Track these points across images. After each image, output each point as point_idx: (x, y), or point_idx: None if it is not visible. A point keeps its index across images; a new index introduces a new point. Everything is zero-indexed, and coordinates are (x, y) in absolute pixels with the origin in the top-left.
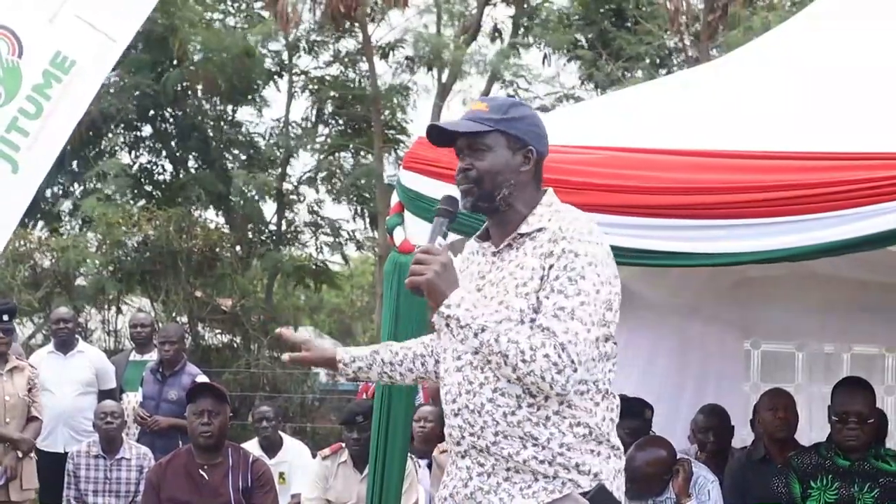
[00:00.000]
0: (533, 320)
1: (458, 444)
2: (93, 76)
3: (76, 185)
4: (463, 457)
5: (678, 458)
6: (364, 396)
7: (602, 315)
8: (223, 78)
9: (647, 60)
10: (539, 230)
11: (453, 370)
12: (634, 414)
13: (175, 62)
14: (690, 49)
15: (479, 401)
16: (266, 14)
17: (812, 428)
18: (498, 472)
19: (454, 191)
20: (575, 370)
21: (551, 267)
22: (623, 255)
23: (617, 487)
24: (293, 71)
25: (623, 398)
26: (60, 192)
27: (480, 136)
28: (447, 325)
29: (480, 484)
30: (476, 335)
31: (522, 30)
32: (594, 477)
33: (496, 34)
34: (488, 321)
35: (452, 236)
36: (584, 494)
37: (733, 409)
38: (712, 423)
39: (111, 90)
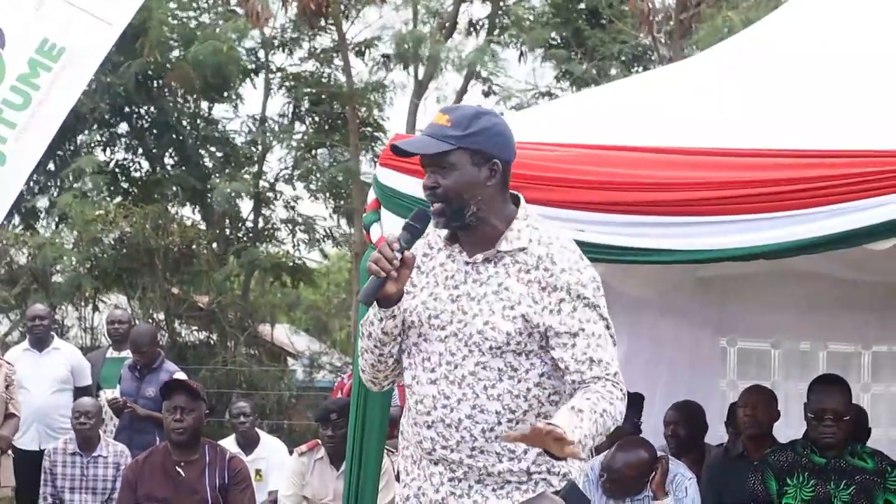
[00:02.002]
0: (519, 343)
1: (430, 453)
2: (86, 61)
3: (53, 181)
4: (436, 463)
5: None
6: (339, 395)
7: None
8: (198, 76)
9: (623, 59)
10: (521, 249)
11: (426, 381)
12: None
13: (149, 60)
14: (663, 48)
15: (456, 416)
16: (240, 10)
17: (788, 425)
18: (469, 477)
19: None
20: (623, 389)
21: (562, 301)
22: (598, 252)
23: (583, 486)
24: (269, 68)
25: None
26: (37, 188)
27: (443, 155)
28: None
29: (452, 489)
30: (592, 438)
31: (498, 30)
32: (563, 477)
33: (472, 29)
34: (584, 420)
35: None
36: (555, 493)
37: (710, 406)
38: (679, 417)
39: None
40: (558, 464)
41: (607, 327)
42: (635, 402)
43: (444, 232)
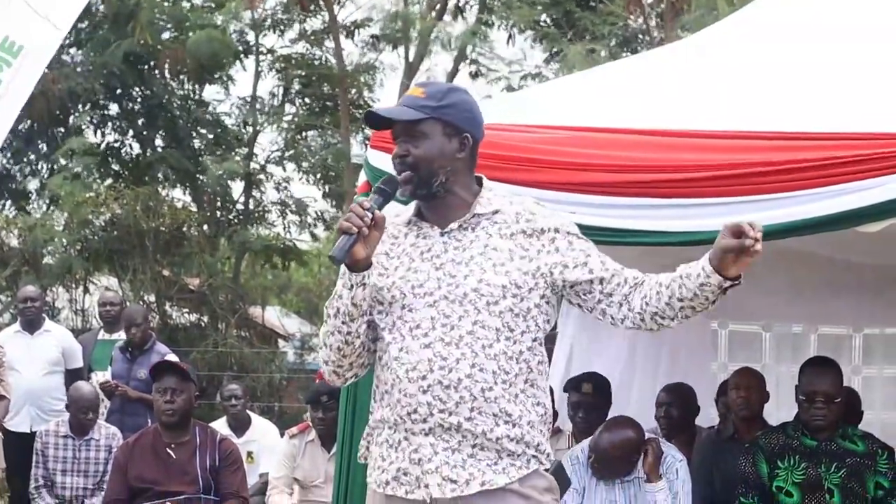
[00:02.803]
0: (515, 296)
1: (425, 420)
2: (38, 61)
3: (44, 163)
4: (426, 434)
5: (647, 437)
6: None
7: None
8: (192, 59)
9: (614, 41)
10: (495, 212)
11: (418, 347)
12: (573, 387)
13: (140, 42)
14: (655, 30)
15: (455, 376)
16: None
17: (780, 408)
18: (464, 448)
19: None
20: None
21: (554, 240)
22: (589, 234)
23: (571, 467)
24: (259, 50)
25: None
26: (28, 170)
27: (416, 124)
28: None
29: (447, 459)
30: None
31: (487, 11)
32: (547, 456)
33: (459, 11)
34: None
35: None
36: (546, 471)
37: (701, 388)
38: (670, 399)
39: (78, 69)
40: (542, 443)
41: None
42: (577, 385)
43: (406, 215)
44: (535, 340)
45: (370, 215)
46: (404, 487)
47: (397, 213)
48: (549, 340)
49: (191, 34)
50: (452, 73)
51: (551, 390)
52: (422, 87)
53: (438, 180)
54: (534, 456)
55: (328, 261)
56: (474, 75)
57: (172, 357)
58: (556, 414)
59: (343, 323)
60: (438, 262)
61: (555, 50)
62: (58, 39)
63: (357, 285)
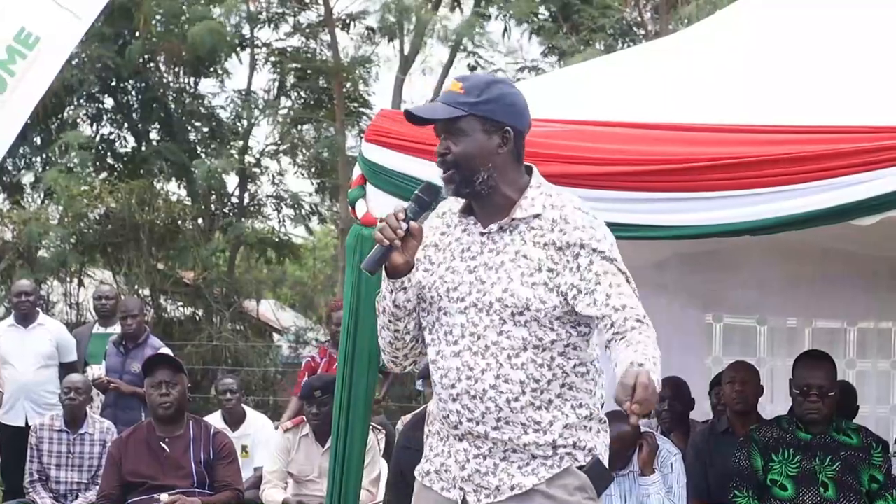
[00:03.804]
0: (539, 310)
1: (456, 427)
2: (56, 53)
3: (38, 157)
4: (460, 440)
5: (642, 431)
6: (307, 374)
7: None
8: (187, 49)
9: (610, 33)
10: (535, 216)
11: (449, 355)
12: None
13: (137, 34)
14: (650, 23)
15: (480, 387)
16: None
17: (774, 402)
18: (495, 454)
19: (421, 167)
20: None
21: (578, 256)
22: None
23: (606, 461)
24: (254, 43)
25: None
26: (23, 164)
27: (454, 121)
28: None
29: (477, 466)
30: (657, 368)
31: (483, 2)
32: (588, 452)
33: (456, 3)
34: (648, 357)
35: None
36: (580, 468)
37: (695, 382)
38: (666, 393)
39: (73, 61)
40: (584, 438)
41: (627, 280)
42: None
43: (459, 206)
44: (567, 346)
45: (404, 226)
46: (441, 483)
47: (452, 204)
48: None
49: (186, 27)
50: (448, 66)
51: None
52: (461, 82)
53: (480, 178)
54: (568, 454)
55: (326, 253)
56: (472, 69)
57: (166, 351)
58: None
59: (390, 321)
60: (473, 264)
61: (551, 45)
62: (80, 30)
63: (397, 290)
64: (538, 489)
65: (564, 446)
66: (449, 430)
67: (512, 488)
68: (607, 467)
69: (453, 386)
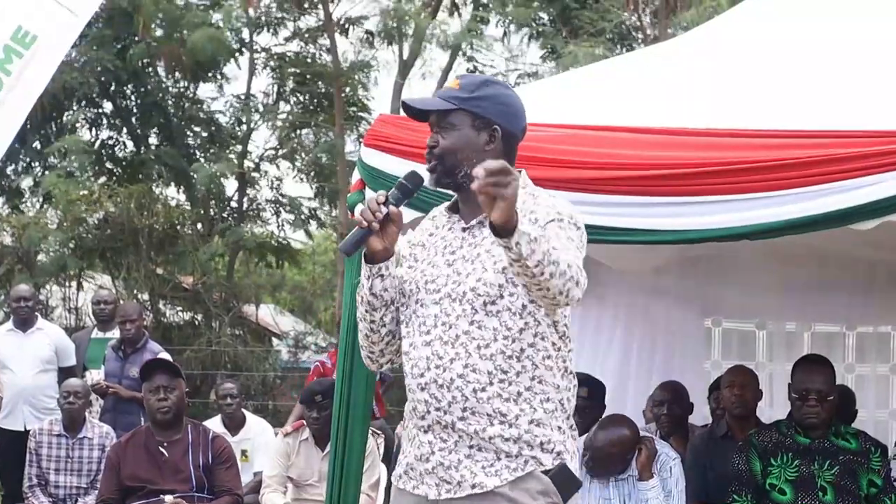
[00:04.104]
0: (513, 295)
1: (423, 418)
2: (54, 51)
3: (38, 161)
4: (426, 431)
5: (641, 436)
6: (316, 377)
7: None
8: (188, 54)
9: (609, 38)
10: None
11: (421, 344)
12: None
13: (137, 38)
14: (649, 28)
15: (448, 376)
16: None
17: (773, 406)
18: (460, 448)
19: (420, 172)
20: (582, 289)
21: (535, 221)
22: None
23: (574, 468)
24: (254, 48)
25: None
26: (22, 168)
27: (446, 114)
28: (517, 243)
29: (442, 459)
30: (540, 245)
31: (481, 7)
32: (557, 455)
33: (454, 8)
34: (539, 235)
35: (411, 213)
36: (545, 472)
37: (694, 387)
38: (665, 397)
39: (74, 65)
40: (554, 440)
41: (577, 247)
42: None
43: (447, 206)
44: (536, 336)
45: (384, 210)
46: (412, 482)
47: (443, 207)
48: None
49: (185, 32)
50: (447, 71)
51: None
52: (459, 79)
53: (462, 171)
54: (533, 457)
55: (325, 257)
56: (471, 73)
57: (165, 355)
58: None
59: (367, 311)
60: (452, 258)
61: (550, 48)
62: (76, 27)
63: (374, 276)
64: (499, 491)
65: (530, 446)
66: (417, 421)
67: (473, 486)
68: (574, 473)
69: (422, 375)
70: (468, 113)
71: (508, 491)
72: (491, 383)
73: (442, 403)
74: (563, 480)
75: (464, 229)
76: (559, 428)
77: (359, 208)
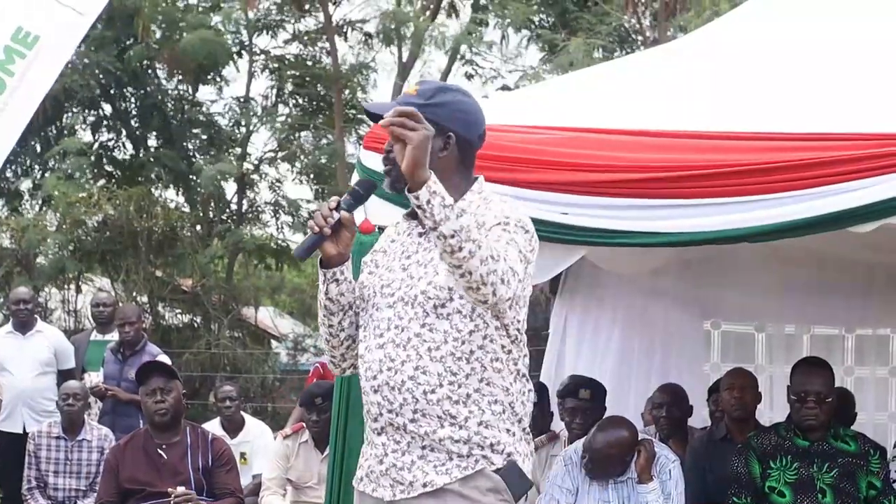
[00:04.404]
0: (462, 297)
1: (376, 420)
2: (58, 51)
3: (37, 163)
4: (379, 434)
5: (640, 438)
6: (315, 380)
7: (527, 270)
8: (186, 56)
9: (608, 40)
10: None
11: (374, 347)
12: (570, 393)
13: (136, 40)
14: (649, 30)
15: (399, 378)
16: None
17: (773, 409)
18: (413, 450)
19: None
20: (513, 291)
21: (482, 225)
22: (582, 235)
23: (527, 471)
24: (253, 50)
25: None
26: (21, 170)
27: None
28: (428, 201)
29: (395, 461)
30: (458, 216)
31: (480, 10)
32: (507, 456)
33: (452, 11)
34: (458, 209)
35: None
36: (496, 471)
37: (693, 389)
38: (665, 400)
39: (76, 67)
40: (504, 441)
41: (519, 252)
42: (574, 391)
43: (407, 212)
44: (486, 338)
45: (336, 216)
46: (372, 485)
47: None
48: (540, 341)
49: (185, 34)
50: (446, 73)
51: (546, 391)
52: (417, 86)
53: None
54: (483, 456)
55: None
56: (470, 76)
57: (164, 358)
58: (551, 415)
59: (324, 316)
60: (407, 262)
61: (548, 48)
62: (82, 26)
63: (328, 281)
64: (449, 488)
65: (481, 447)
66: (371, 424)
67: (424, 485)
68: (527, 473)
69: (375, 377)
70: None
71: (458, 487)
72: (441, 385)
73: (394, 405)
74: (514, 479)
75: (420, 234)
76: (508, 430)
77: (313, 212)
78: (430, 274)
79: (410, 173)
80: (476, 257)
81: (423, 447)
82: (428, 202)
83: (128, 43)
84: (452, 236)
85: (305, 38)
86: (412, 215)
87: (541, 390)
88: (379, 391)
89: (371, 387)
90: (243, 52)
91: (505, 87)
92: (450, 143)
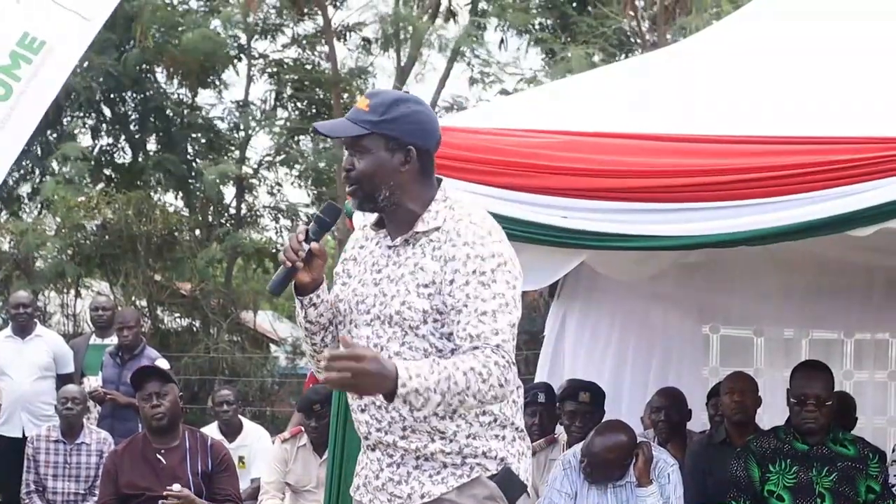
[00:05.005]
0: (436, 321)
1: (367, 438)
2: (65, 56)
3: (36, 167)
4: (372, 450)
5: (639, 441)
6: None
7: (516, 310)
8: (192, 61)
9: (607, 44)
10: (436, 229)
11: None
12: (569, 396)
13: (134, 43)
14: (648, 34)
15: None
16: None
17: (772, 413)
18: (407, 462)
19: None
20: (513, 365)
21: (456, 272)
22: (581, 238)
23: (524, 469)
24: (252, 54)
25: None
26: (20, 175)
27: (359, 138)
28: (405, 401)
29: (391, 475)
30: (436, 391)
31: (479, 13)
32: (500, 461)
33: (451, 14)
34: (434, 371)
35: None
36: (491, 477)
37: (692, 393)
38: (663, 403)
39: (77, 70)
40: (495, 448)
41: (505, 304)
42: (574, 394)
43: (373, 220)
44: None
45: (306, 247)
46: (368, 496)
47: (371, 217)
48: (538, 344)
49: (185, 36)
50: (445, 77)
51: (553, 392)
52: (368, 100)
53: (382, 195)
54: (478, 464)
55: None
56: (472, 82)
57: (163, 362)
58: (558, 417)
59: (307, 336)
60: (378, 276)
61: (549, 52)
62: (89, 31)
63: (306, 307)
64: (446, 498)
65: (474, 455)
66: (363, 440)
67: (422, 496)
68: (520, 476)
69: (360, 397)
70: (381, 136)
71: (455, 497)
72: None
73: (382, 424)
74: (508, 484)
75: (389, 247)
76: (496, 436)
77: (283, 247)
78: (402, 293)
79: (375, 395)
80: (470, 396)
81: (417, 458)
82: (405, 402)
83: (127, 46)
84: (439, 405)
85: (304, 41)
86: (380, 224)
87: (547, 391)
88: (366, 410)
89: (357, 406)
90: (242, 55)
91: (504, 92)
92: (410, 156)
